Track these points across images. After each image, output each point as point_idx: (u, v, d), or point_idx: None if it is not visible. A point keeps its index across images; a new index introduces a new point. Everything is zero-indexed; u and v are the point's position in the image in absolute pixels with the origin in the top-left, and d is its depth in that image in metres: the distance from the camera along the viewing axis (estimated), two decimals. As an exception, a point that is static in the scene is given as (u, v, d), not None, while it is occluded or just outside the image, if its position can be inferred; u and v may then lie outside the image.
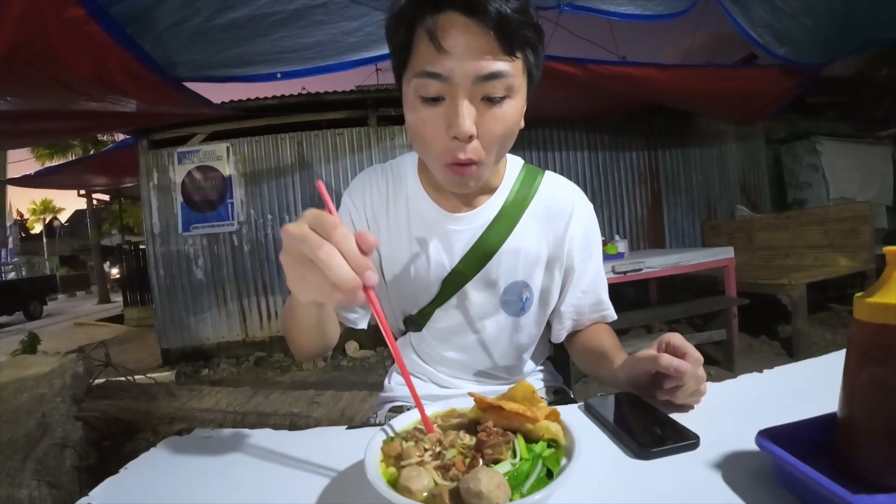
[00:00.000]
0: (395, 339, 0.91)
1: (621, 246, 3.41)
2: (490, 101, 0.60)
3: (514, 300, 0.79)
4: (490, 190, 0.78)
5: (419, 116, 0.62)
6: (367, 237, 0.39)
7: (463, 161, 0.62)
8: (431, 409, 0.48)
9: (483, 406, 0.41)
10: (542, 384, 0.92)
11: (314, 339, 0.65)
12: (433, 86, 0.59)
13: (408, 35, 0.60)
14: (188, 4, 2.32)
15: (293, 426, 2.48)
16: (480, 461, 0.36)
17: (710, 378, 0.58)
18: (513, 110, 0.62)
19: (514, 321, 0.81)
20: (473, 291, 0.79)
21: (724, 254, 3.34)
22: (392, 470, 0.38)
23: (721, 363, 3.23)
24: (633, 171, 5.38)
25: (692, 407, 0.57)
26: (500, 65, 0.58)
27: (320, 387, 3.37)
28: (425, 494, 0.34)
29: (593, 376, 0.79)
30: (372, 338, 4.37)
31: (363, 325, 0.82)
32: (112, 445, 2.05)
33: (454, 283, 0.78)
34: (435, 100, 0.60)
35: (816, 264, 3.76)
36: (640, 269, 3.03)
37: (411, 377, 0.88)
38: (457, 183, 0.66)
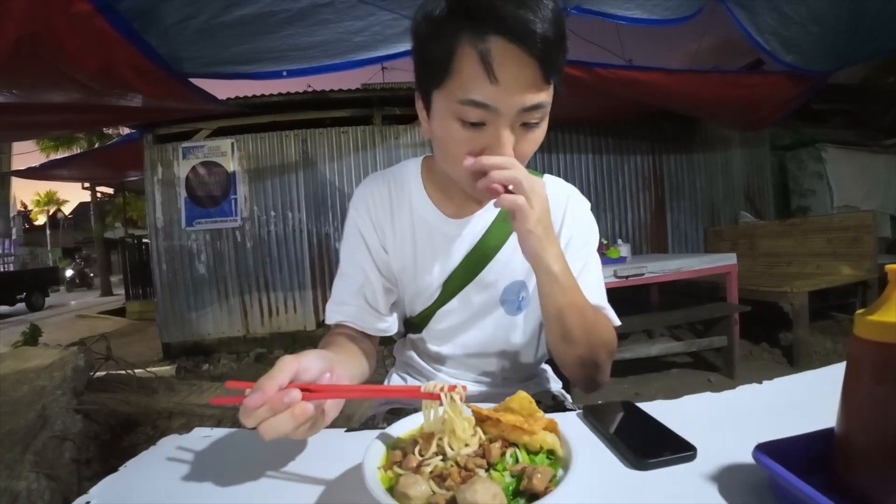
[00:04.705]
0: (395, 340, 0.93)
1: (624, 250, 3.40)
2: (527, 126, 0.62)
3: (513, 299, 0.81)
4: None
5: (454, 137, 0.62)
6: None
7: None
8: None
9: (480, 417, 0.42)
10: (541, 388, 0.92)
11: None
12: (477, 113, 0.59)
13: (449, 51, 0.58)
14: (195, 1, 2.33)
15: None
16: (479, 471, 0.37)
17: (711, 384, 0.58)
18: (543, 132, 0.65)
19: (512, 319, 0.82)
20: (473, 293, 0.80)
21: (727, 260, 3.33)
22: (390, 475, 0.38)
23: (721, 369, 3.22)
24: (638, 175, 5.37)
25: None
26: (543, 96, 0.60)
27: (320, 384, 3.37)
28: (422, 502, 0.34)
29: (557, 353, 0.72)
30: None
31: (395, 331, 0.85)
32: (111, 439, 2.05)
33: (455, 285, 0.79)
34: (474, 124, 0.60)
35: (819, 272, 3.74)
36: (642, 274, 3.02)
37: (411, 377, 0.90)
38: (484, 195, 0.66)
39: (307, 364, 0.48)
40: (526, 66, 0.56)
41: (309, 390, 0.45)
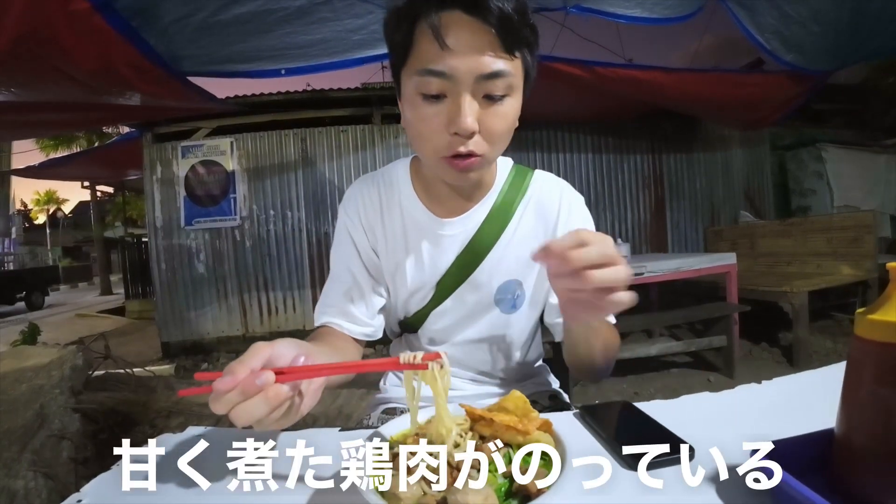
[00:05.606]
0: (391, 340, 0.92)
1: (623, 249, 3.40)
2: (491, 98, 0.60)
3: (508, 298, 0.80)
4: (482, 191, 0.79)
5: (419, 113, 0.62)
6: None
7: (463, 153, 0.62)
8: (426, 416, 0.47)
9: (474, 417, 0.41)
10: (538, 388, 0.92)
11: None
12: (435, 83, 0.59)
13: (409, 32, 0.60)
14: (193, -1, 2.33)
15: (290, 423, 2.48)
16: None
17: (710, 384, 0.58)
18: (512, 109, 0.63)
19: (507, 318, 0.81)
20: (467, 292, 0.79)
21: (727, 260, 3.33)
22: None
23: (721, 369, 3.21)
24: (638, 174, 5.36)
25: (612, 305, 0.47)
26: (502, 64, 0.59)
27: (318, 384, 3.37)
28: (412, 503, 0.33)
29: (574, 365, 0.75)
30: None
31: (379, 335, 0.83)
32: (109, 438, 2.05)
33: (448, 285, 0.78)
34: (436, 97, 0.60)
35: (819, 272, 3.74)
36: (642, 274, 3.01)
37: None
38: (456, 175, 0.66)
39: (281, 350, 0.46)
40: (480, 34, 0.57)
41: (282, 373, 0.43)
